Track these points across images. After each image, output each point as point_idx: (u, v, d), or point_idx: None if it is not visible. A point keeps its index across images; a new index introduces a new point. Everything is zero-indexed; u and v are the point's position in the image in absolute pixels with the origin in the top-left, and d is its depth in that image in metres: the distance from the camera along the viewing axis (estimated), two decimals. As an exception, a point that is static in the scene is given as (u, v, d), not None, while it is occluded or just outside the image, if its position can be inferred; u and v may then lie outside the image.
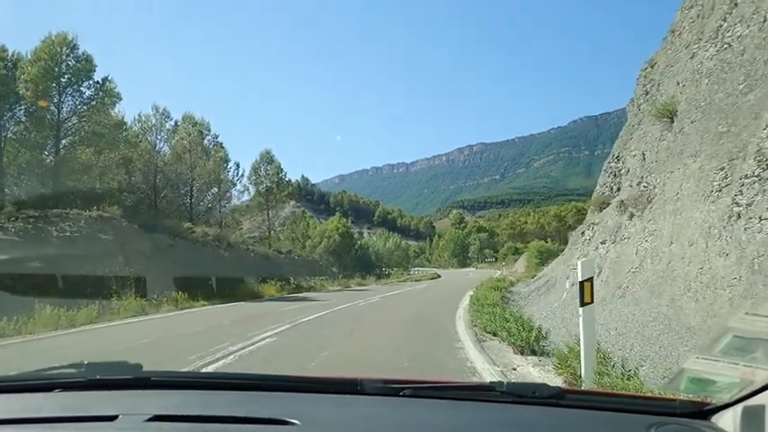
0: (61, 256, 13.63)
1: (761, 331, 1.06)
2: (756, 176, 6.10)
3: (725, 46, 8.98)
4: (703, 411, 1.15)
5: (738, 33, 8.60)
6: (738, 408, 1.04)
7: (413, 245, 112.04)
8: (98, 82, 21.08)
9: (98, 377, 1.42)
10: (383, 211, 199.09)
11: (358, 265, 44.59)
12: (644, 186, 10.73)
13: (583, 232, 14.51)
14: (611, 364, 4.30)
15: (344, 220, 50.34)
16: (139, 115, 26.51)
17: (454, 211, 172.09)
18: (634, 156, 12.86)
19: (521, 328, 7.05)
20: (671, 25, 13.91)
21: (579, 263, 4.42)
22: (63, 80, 20.08)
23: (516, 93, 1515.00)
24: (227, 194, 30.44)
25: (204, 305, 15.46)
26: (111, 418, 1.13)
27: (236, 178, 30.66)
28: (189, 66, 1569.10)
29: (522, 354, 6.52)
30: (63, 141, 20.52)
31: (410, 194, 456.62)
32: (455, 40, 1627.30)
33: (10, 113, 19.21)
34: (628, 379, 3.83)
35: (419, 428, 1.16)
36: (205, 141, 29.74)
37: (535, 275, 24.56)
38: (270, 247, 30.91)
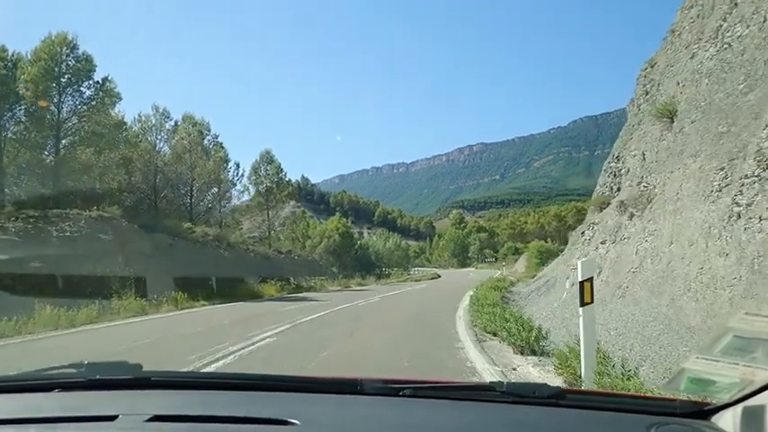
0: (61, 256, 13.63)
1: (760, 331, 1.06)
2: (756, 176, 6.10)
3: (725, 46, 8.98)
4: (703, 411, 1.15)
5: (738, 33, 8.60)
6: (738, 408, 1.04)
7: (413, 245, 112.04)
8: (98, 82, 21.09)
9: (98, 377, 1.42)
10: (383, 211, 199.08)
11: (358, 265, 44.58)
12: (644, 186, 10.73)
13: (583, 232, 14.51)
14: (612, 364, 4.29)
15: (344, 220, 50.34)
16: (139, 115, 26.55)
17: (454, 211, 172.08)
18: (634, 156, 12.86)
19: (521, 328, 7.05)
20: (671, 25, 13.91)
21: (579, 263, 4.42)
22: (63, 80, 20.08)
23: (516, 93, 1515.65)
24: (227, 194, 30.48)
25: (204, 305, 15.46)
26: (111, 418, 1.13)
27: (236, 178, 30.70)
28: (189, 66, 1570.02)
29: (522, 354, 6.52)
30: (63, 141, 20.51)
31: (410, 194, 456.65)
32: (455, 40, 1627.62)
33: (10, 113, 19.21)
34: (628, 379, 3.82)
35: (419, 428, 1.16)
36: (205, 141, 29.74)
37: (535, 275, 24.56)
38: (270, 247, 30.91)
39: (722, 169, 6.96)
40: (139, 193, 25.43)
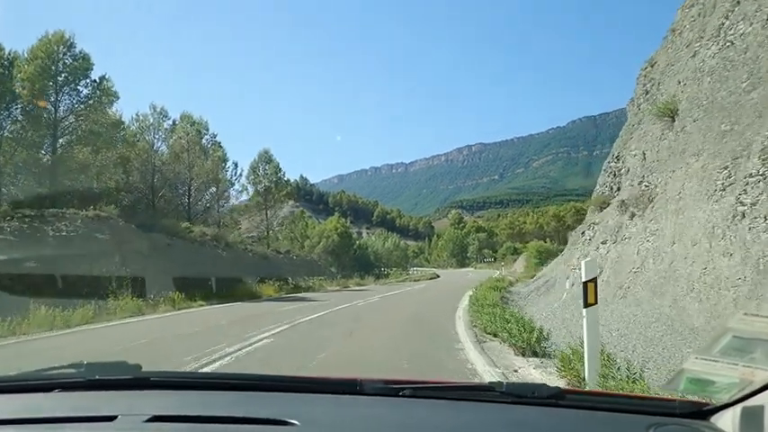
0: (57, 256, 13.51)
1: (760, 332, 1.05)
2: (761, 175, 6.02)
3: (727, 44, 8.90)
4: (703, 412, 1.15)
5: (741, 31, 8.52)
6: (738, 408, 1.04)
7: (412, 245, 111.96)
8: (95, 81, 20.95)
9: (97, 377, 1.42)
10: (382, 211, 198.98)
11: (357, 265, 44.50)
12: (645, 186, 10.66)
13: (583, 232, 14.43)
14: (616, 366, 4.20)
15: (343, 220, 50.24)
16: (137, 114, 26.42)
17: (453, 211, 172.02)
18: (634, 155, 12.79)
19: (522, 328, 6.95)
20: (671, 24, 13.84)
21: (583, 263, 4.33)
22: (60, 79, 19.94)
23: (515, 93, 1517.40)
24: (226, 194, 30.37)
25: (202, 305, 15.35)
26: (111, 419, 1.13)
27: (234, 178, 30.61)
28: (189, 66, 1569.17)
29: (523, 355, 6.43)
30: (60, 140, 20.36)
31: (409, 194, 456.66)
32: (455, 40, 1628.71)
33: (6, 112, 19.05)
34: (633, 382, 3.73)
35: (419, 429, 1.16)
36: (203, 141, 29.64)
37: (534, 275, 24.49)
38: (268, 247, 30.81)
39: (726, 168, 6.88)
40: (137, 193, 25.31)
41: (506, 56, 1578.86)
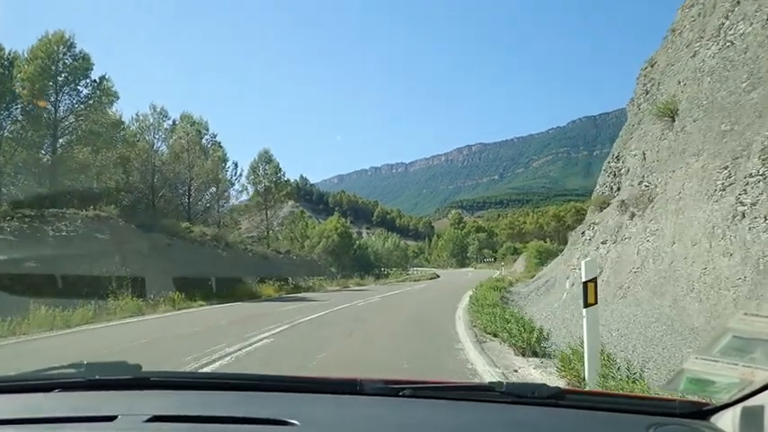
0: (57, 256, 13.51)
1: (760, 332, 1.05)
2: (761, 175, 6.02)
3: (727, 44, 8.90)
4: (702, 412, 1.15)
5: (741, 31, 8.52)
6: (738, 408, 1.04)
7: (412, 245, 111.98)
8: (95, 80, 20.95)
9: (97, 377, 1.42)
10: (382, 211, 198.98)
11: (357, 265, 44.50)
12: (645, 186, 10.65)
13: (583, 232, 14.43)
14: (617, 366, 4.20)
15: (343, 219, 50.23)
16: (137, 114, 26.43)
17: (453, 211, 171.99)
18: (634, 155, 12.78)
19: (522, 328, 6.95)
20: (671, 24, 13.84)
21: (583, 263, 4.33)
22: (60, 79, 19.94)
23: (515, 93, 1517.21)
24: (226, 194, 30.37)
25: (202, 305, 15.35)
26: (111, 419, 1.13)
27: (234, 178, 30.61)
28: (188, 66, 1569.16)
29: (523, 355, 6.43)
30: (60, 140, 20.36)
31: (409, 194, 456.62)
32: (455, 40, 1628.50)
33: (6, 112, 19.06)
34: (633, 382, 3.73)
35: (419, 429, 1.16)
36: (203, 141, 29.64)
37: (534, 275, 24.49)
38: (268, 247, 30.81)
39: (726, 168, 6.87)
40: (137, 193, 25.31)
41: (506, 56, 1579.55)
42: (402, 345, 7.72)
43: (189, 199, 27.08)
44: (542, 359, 6.19)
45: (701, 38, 10.43)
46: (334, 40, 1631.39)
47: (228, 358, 6.40)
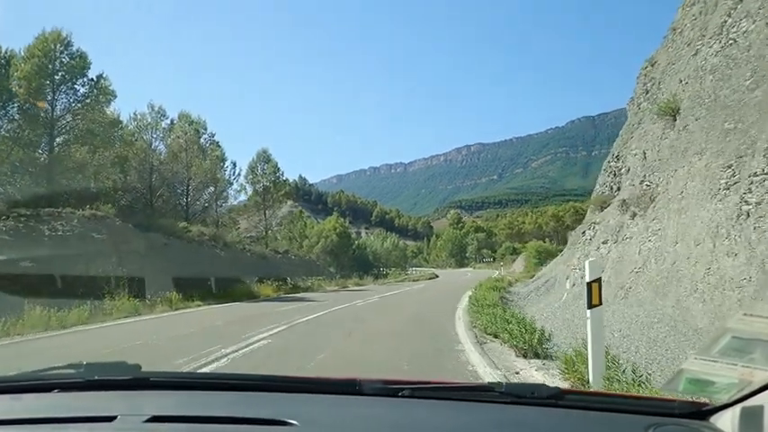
0: (53, 256, 13.38)
1: (759, 332, 1.04)
2: (766, 174, 5.93)
3: (730, 42, 8.82)
4: (702, 412, 1.15)
5: (744, 29, 8.43)
6: (737, 408, 1.04)
7: (410, 245, 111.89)
8: (92, 79, 20.80)
9: (96, 378, 1.42)
10: (381, 211, 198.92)
11: (355, 265, 44.40)
12: (647, 185, 10.57)
13: (583, 232, 14.34)
14: (622, 369, 4.10)
15: (342, 219, 50.05)
16: (135, 113, 26.25)
17: (452, 211, 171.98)
18: (635, 155, 12.70)
19: (523, 329, 6.84)
20: (672, 23, 13.77)
21: (587, 263, 4.23)
22: (57, 77, 19.79)
23: (514, 93, 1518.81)
24: (224, 194, 30.23)
25: (199, 305, 15.23)
26: (110, 419, 1.13)
27: (232, 177, 30.46)
28: (188, 65, 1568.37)
29: (524, 357, 6.32)
30: (57, 139, 20.20)
31: (408, 194, 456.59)
32: (455, 40, 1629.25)
33: (3, 111, 18.92)
34: (639, 385, 3.63)
35: (418, 429, 1.16)
36: (201, 140, 29.50)
37: (534, 275, 24.41)
38: (267, 247, 30.68)
39: (730, 167, 6.78)
40: (135, 193, 25.19)
41: (506, 56, 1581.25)
42: (402, 346, 7.61)
43: (187, 198, 26.95)
44: (544, 361, 6.09)
45: (703, 36, 10.35)
46: (334, 40, 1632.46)
47: (224, 360, 6.29)
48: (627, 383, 3.74)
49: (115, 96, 21.67)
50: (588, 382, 4.13)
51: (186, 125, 29.14)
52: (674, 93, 10.92)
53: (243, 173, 31.92)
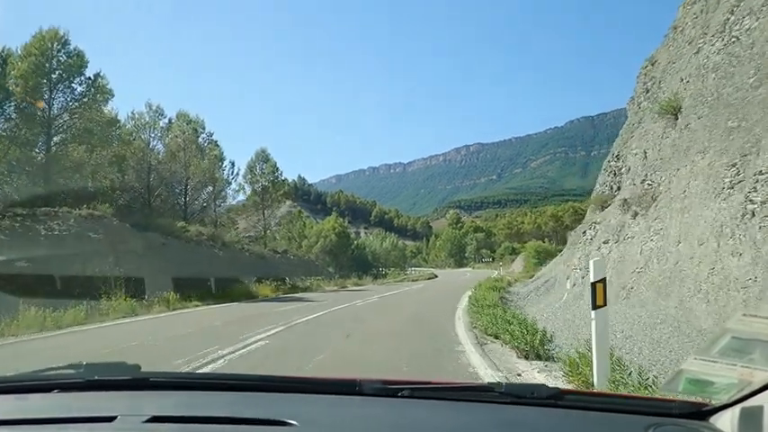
0: (50, 256, 13.26)
1: (759, 332, 1.04)
2: (772, 172, 5.84)
3: (732, 39, 8.73)
4: (701, 412, 1.15)
5: (747, 26, 8.35)
6: (737, 409, 1.05)
7: (410, 245, 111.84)
8: (90, 78, 20.68)
9: (96, 378, 1.42)
10: (380, 210, 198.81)
11: (354, 265, 44.32)
12: (648, 184, 10.48)
13: (584, 232, 14.25)
14: (627, 371, 4.01)
15: (341, 219, 49.95)
16: (132, 113, 26.12)
17: (451, 211, 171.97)
18: (635, 154, 12.62)
19: (524, 330, 6.75)
20: (673, 22, 13.70)
21: (591, 263, 4.13)
22: (54, 76, 19.67)
23: (514, 93, 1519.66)
24: (223, 193, 30.13)
25: (197, 306, 15.12)
26: (110, 419, 1.13)
27: (231, 177, 30.37)
28: (188, 65, 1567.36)
29: (526, 358, 6.23)
30: (54, 138, 20.07)
31: (407, 194, 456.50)
32: (455, 41, 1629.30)
33: (0, 110, 18.80)
34: (645, 388, 3.54)
35: (417, 429, 1.17)
36: (200, 139, 29.40)
37: (533, 275, 24.33)
38: (265, 247, 30.57)
39: (734, 165, 6.70)
40: (133, 192, 25.06)
41: (506, 56, 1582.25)
42: (401, 346, 7.52)
43: (185, 198, 26.83)
44: (546, 362, 5.99)
45: (705, 34, 10.27)
46: (334, 40, 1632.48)
47: (221, 361, 6.19)
48: (633, 387, 3.64)
49: (113, 95, 21.60)
50: (593, 384, 4.03)
51: (184, 124, 29.03)
52: (675, 91, 10.84)
53: (241, 172, 31.89)
